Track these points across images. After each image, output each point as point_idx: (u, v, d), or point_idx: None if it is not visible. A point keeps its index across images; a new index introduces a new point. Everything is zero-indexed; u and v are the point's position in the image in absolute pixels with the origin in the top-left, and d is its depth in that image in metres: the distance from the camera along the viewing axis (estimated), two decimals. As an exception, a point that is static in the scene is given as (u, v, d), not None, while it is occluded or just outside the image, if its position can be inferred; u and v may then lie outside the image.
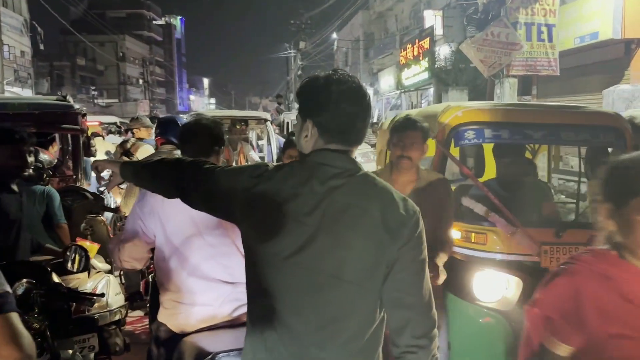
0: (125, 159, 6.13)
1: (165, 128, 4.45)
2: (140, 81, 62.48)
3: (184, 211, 2.34)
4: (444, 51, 20.46)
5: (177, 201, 2.37)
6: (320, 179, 1.54)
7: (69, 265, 2.94)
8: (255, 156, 8.43)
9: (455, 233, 3.35)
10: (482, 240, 3.39)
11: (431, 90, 21.93)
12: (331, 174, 1.54)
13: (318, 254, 1.51)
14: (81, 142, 5.43)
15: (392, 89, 26.36)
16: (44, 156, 4.39)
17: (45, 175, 4.02)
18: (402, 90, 24.14)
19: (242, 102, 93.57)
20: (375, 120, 21.16)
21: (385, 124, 4.89)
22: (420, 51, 20.48)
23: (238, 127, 8.39)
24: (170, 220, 2.40)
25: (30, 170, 3.49)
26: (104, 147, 8.66)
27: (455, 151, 4.09)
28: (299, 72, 41.57)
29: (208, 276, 2.38)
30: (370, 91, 31.47)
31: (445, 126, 3.58)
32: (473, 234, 3.43)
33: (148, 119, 7.51)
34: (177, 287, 2.41)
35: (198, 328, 2.36)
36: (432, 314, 1.58)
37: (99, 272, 3.67)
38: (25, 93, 28.54)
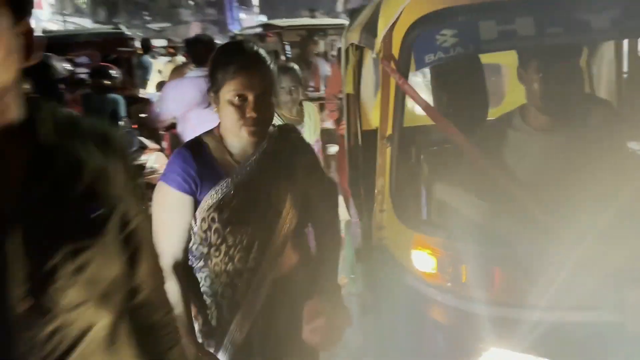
0: None
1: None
2: (191, 2, 62.77)
3: None
4: None
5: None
6: None
7: None
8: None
9: (425, 260, 1.64)
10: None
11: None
12: None
13: None
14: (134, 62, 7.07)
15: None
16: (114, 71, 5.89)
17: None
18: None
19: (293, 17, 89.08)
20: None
21: None
22: None
23: (314, 40, 6.69)
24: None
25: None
26: (156, 67, 10.10)
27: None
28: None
29: None
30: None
31: (397, 27, 1.70)
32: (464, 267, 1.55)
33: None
34: None
35: None
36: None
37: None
38: (85, 22, 30.35)
